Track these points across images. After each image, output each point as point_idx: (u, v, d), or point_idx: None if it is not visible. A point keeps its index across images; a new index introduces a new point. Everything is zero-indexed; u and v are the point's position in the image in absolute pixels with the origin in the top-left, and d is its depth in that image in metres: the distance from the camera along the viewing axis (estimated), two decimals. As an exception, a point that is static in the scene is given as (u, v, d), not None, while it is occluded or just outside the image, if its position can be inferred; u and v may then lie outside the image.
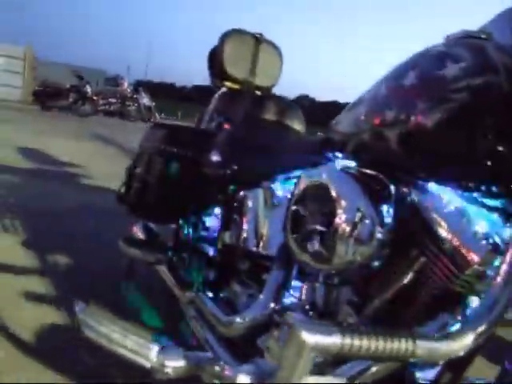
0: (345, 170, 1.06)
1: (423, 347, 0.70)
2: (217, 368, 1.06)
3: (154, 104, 18.40)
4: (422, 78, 0.90)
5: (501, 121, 0.81)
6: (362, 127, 1.02)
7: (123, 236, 1.89)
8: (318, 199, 1.04)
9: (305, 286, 1.18)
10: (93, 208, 3.72)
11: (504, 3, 0.99)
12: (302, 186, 1.11)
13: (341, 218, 0.97)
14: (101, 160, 6.35)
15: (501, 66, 0.82)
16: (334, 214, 0.99)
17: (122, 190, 2.04)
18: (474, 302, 0.88)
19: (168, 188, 1.76)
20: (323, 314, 1.10)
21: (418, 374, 0.94)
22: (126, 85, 18.39)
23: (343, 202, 0.98)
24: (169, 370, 1.04)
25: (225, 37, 2.10)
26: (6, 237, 2.80)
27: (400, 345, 0.67)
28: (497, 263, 0.82)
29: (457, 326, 0.79)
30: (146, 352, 1.04)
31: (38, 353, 1.63)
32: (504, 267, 0.75)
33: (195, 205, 1.73)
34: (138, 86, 23.09)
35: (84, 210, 3.66)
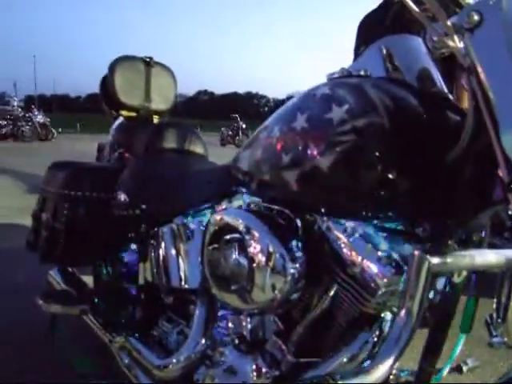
0: (252, 207, 1.10)
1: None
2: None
3: (49, 120, 17.63)
4: (311, 121, 0.96)
5: (386, 153, 0.88)
6: (261, 167, 1.06)
7: (40, 291, 1.81)
8: (230, 239, 1.07)
9: (231, 319, 1.21)
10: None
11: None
12: (214, 226, 1.13)
13: (253, 257, 1.01)
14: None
15: (379, 104, 0.89)
16: (246, 254, 1.03)
17: (31, 237, 1.97)
18: (391, 320, 0.95)
19: (78, 232, 1.71)
20: (252, 346, 1.13)
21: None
22: (15, 103, 17.45)
23: (254, 242, 1.01)
24: None
25: (114, 65, 2.06)
26: None
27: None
28: (402, 281, 0.89)
29: (371, 359, 0.87)
30: None
31: None
32: (407, 289, 0.82)
33: (110, 246, 1.70)
34: (30, 102, 22.01)
35: None
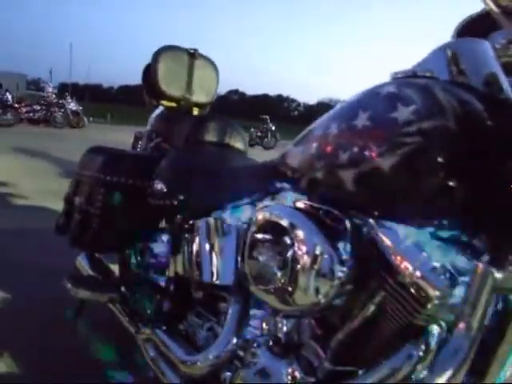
0: (299, 206, 1.06)
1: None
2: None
3: (81, 108, 17.84)
4: (373, 119, 0.91)
5: (451, 159, 0.83)
6: (314, 164, 1.02)
7: (68, 274, 1.80)
8: (275, 237, 1.03)
9: (266, 319, 1.17)
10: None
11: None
12: (257, 222, 1.09)
13: (299, 257, 0.97)
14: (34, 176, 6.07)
15: (448, 107, 0.85)
16: (291, 253, 0.99)
17: (61, 220, 1.96)
18: (438, 334, 0.89)
19: (112, 219, 1.70)
20: (287, 349, 1.09)
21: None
22: (50, 89, 17.67)
23: (301, 241, 0.97)
24: None
25: (158, 54, 2.05)
26: None
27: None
28: (457, 295, 0.84)
29: (424, 373, 0.83)
30: None
31: None
32: (467, 303, 0.77)
33: (142, 235, 1.68)
34: (64, 89, 22.34)
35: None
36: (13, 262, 2.79)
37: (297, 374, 1.03)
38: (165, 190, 1.52)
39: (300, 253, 0.97)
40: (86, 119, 17.81)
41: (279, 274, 1.01)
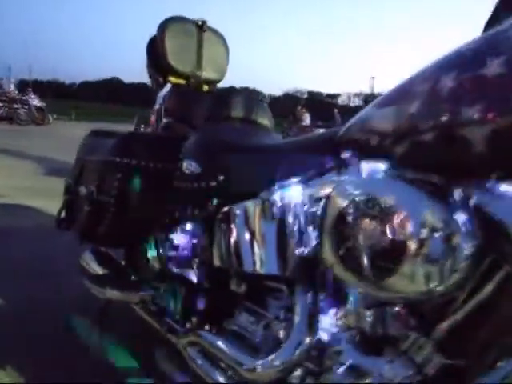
0: (395, 176, 0.88)
1: None
2: None
3: (45, 105, 17.29)
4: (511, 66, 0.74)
5: None
6: (417, 125, 0.84)
7: (89, 274, 1.59)
8: (370, 215, 0.86)
9: (345, 312, 1.00)
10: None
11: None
12: (338, 200, 0.92)
13: (409, 236, 0.80)
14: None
15: None
16: (393, 233, 0.82)
17: (64, 213, 1.75)
18: None
19: (130, 207, 1.50)
20: (380, 344, 0.93)
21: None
22: (12, 86, 17.05)
23: (410, 216, 0.81)
24: None
25: (165, 25, 1.86)
26: None
27: None
28: None
29: None
30: None
31: None
32: None
33: (165, 225, 1.49)
34: (24, 86, 21.66)
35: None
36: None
37: (399, 371, 0.87)
38: (198, 171, 1.33)
39: (410, 231, 0.80)
40: (50, 116, 17.27)
41: (378, 258, 0.84)
